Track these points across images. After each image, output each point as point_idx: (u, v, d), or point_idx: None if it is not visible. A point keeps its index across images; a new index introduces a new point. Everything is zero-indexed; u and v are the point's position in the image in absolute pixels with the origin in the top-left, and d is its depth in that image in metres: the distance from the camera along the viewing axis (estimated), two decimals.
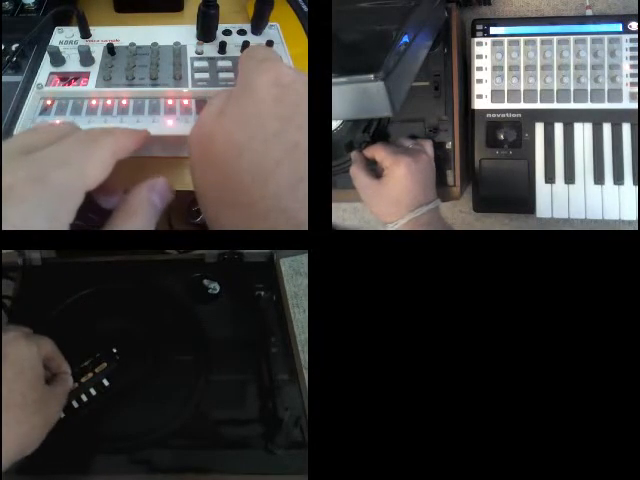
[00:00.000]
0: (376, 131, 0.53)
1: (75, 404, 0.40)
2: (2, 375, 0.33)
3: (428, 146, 0.52)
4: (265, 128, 0.26)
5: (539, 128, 0.54)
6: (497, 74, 0.55)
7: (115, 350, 0.43)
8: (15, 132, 0.41)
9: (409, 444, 0.41)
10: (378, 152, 0.50)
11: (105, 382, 0.41)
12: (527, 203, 0.54)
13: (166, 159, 0.44)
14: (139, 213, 0.29)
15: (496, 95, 0.55)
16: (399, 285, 0.43)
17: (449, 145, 0.53)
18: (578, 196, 0.53)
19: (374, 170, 0.51)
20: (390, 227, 0.49)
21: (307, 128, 0.27)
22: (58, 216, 0.25)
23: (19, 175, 0.25)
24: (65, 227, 0.25)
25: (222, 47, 0.48)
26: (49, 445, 0.34)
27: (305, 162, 0.26)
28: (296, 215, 0.25)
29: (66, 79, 0.45)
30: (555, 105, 0.54)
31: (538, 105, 0.54)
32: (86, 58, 0.46)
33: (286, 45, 0.50)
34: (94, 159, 0.28)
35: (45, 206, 0.24)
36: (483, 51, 0.55)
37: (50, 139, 0.28)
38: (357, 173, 0.51)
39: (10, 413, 0.32)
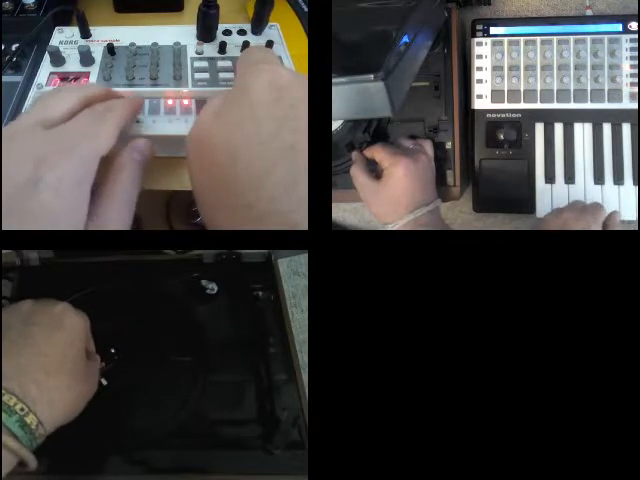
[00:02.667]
0: (376, 131, 0.53)
1: None
2: (57, 341, 0.34)
3: (428, 146, 0.52)
4: (261, 130, 0.26)
5: (539, 128, 0.54)
6: (497, 74, 0.55)
7: (113, 350, 0.43)
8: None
9: (409, 444, 0.41)
10: (378, 152, 0.50)
11: (103, 381, 0.41)
12: (527, 203, 0.54)
13: (166, 159, 0.44)
14: (125, 169, 0.33)
15: (496, 95, 0.55)
16: (399, 285, 0.43)
17: (449, 145, 0.53)
18: (578, 196, 0.53)
19: (374, 170, 0.51)
20: (390, 227, 0.49)
21: (305, 130, 0.27)
22: (84, 179, 0.30)
23: (49, 148, 0.29)
24: (88, 188, 0.30)
25: (222, 47, 0.48)
26: (46, 444, 0.34)
27: (302, 164, 0.26)
28: (292, 217, 0.25)
29: (66, 79, 0.45)
30: (555, 105, 0.54)
31: (538, 105, 0.54)
32: (86, 58, 0.46)
33: (286, 45, 0.50)
34: (104, 133, 0.33)
35: (74, 172, 0.29)
36: (483, 51, 0.55)
37: (64, 114, 0.33)
38: (357, 173, 0.51)
39: (62, 379, 0.33)
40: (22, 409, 0.30)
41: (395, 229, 0.49)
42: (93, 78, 0.45)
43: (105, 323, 0.39)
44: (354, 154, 0.52)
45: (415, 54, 0.43)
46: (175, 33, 0.50)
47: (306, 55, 0.46)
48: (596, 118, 0.53)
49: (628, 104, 0.52)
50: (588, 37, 0.53)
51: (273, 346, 0.48)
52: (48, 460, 0.39)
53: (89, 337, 0.38)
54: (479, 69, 0.55)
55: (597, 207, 0.49)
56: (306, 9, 0.55)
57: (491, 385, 0.42)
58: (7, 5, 0.52)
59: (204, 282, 0.52)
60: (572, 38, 0.53)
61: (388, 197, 0.49)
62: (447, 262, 0.43)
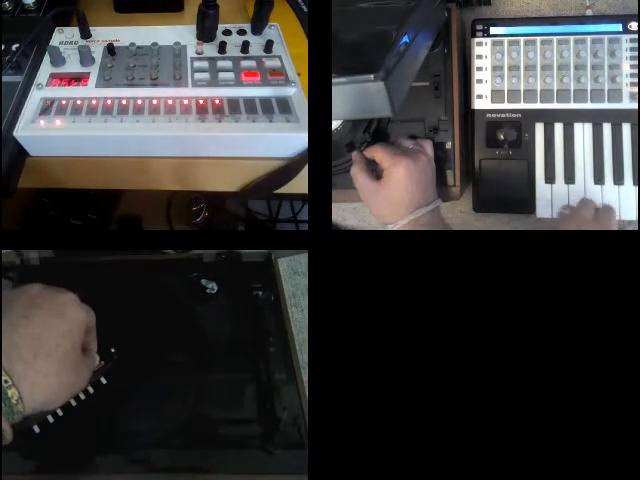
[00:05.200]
0: (376, 131, 0.53)
1: (73, 402, 0.40)
2: (54, 328, 0.34)
3: (428, 146, 0.52)
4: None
5: (539, 128, 0.54)
6: (497, 74, 0.55)
7: (113, 349, 0.43)
8: (15, 132, 0.41)
9: (408, 443, 0.41)
10: (377, 153, 0.50)
11: (103, 380, 0.41)
12: (527, 203, 0.54)
13: (166, 159, 0.44)
14: None
15: (496, 95, 0.55)
16: (399, 285, 0.43)
17: (449, 145, 0.53)
18: (578, 196, 0.53)
19: (374, 171, 0.51)
20: (390, 228, 0.49)
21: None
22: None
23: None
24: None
25: (222, 47, 0.48)
26: (47, 443, 0.34)
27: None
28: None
29: (66, 79, 0.45)
30: (555, 105, 0.54)
31: (538, 105, 0.54)
32: (86, 58, 0.46)
33: (286, 45, 0.50)
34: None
35: None
36: (483, 51, 0.55)
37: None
38: (357, 174, 0.51)
39: (50, 364, 0.33)
40: (6, 381, 0.31)
41: (395, 229, 0.49)
42: (93, 78, 0.45)
43: (105, 323, 0.39)
44: (354, 154, 0.52)
45: (415, 54, 0.43)
46: (175, 33, 0.50)
47: (306, 55, 0.46)
48: (596, 118, 0.53)
49: (628, 104, 0.52)
50: (588, 37, 0.53)
51: (273, 346, 0.48)
52: (48, 459, 0.39)
53: (92, 334, 0.39)
54: (479, 69, 0.55)
55: (608, 209, 0.50)
56: (306, 9, 0.55)
57: (491, 384, 0.42)
58: (7, 5, 0.52)
59: (204, 281, 0.52)
60: (572, 38, 0.53)
61: (388, 197, 0.49)
62: (447, 262, 0.43)
